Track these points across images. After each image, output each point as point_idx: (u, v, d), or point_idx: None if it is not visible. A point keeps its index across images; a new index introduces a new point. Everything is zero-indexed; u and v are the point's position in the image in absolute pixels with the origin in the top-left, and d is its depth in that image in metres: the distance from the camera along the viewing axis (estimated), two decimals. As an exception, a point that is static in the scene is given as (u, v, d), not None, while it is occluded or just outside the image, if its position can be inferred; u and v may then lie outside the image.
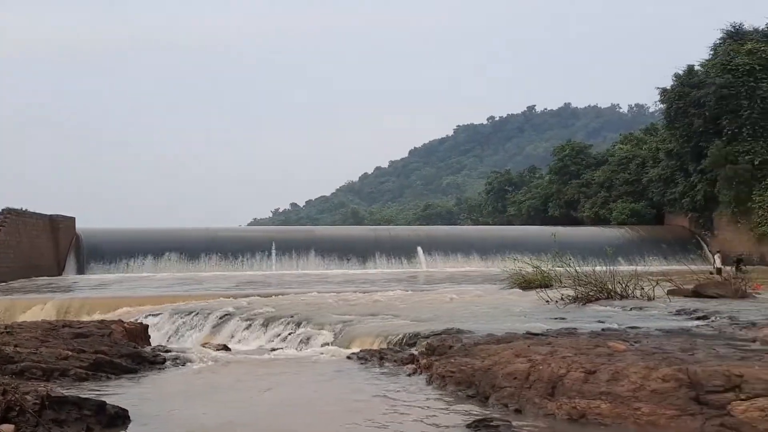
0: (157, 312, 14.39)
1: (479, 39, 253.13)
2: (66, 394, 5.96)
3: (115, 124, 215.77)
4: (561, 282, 16.38)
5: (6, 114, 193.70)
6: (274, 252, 33.25)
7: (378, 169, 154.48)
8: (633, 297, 14.62)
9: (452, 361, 7.85)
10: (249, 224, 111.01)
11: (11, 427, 5.38)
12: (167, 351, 10.06)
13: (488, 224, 60.64)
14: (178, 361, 9.42)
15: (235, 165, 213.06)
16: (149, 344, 10.97)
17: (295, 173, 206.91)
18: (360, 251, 34.34)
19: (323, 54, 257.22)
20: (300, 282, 23.56)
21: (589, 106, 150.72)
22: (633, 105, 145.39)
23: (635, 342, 7.67)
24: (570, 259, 17.12)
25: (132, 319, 12.44)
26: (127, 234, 33.98)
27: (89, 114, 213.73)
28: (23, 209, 25.73)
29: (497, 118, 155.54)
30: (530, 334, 8.70)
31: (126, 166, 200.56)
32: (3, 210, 24.25)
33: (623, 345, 7.32)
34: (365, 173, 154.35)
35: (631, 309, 12.93)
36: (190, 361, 9.50)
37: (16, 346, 8.47)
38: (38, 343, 8.83)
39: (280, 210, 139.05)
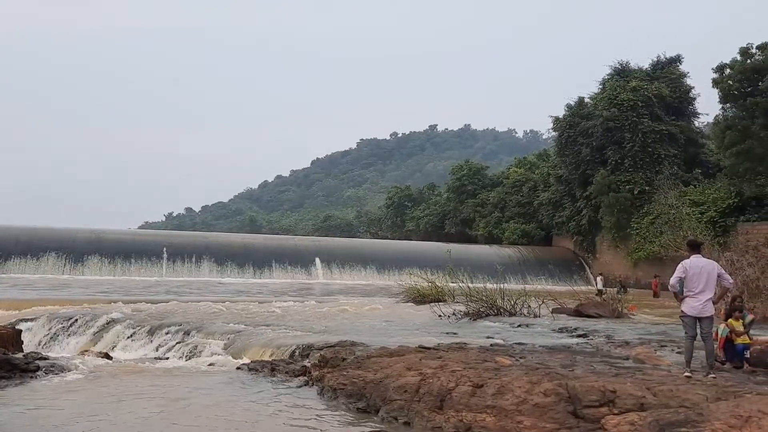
0: (33, 316, 13.41)
1: (387, 55, 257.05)
2: None
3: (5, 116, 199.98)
4: (454, 297, 16.83)
5: None
6: (165, 257, 31.94)
7: (279, 177, 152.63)
8: (521, 314, 15.26)
9: (344, 373, 7.84)
10: (140, 227, 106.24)
11: None
12: (42, 358, 9.39)
13: (387, 238, 61.31)
14: (54, 369, 8.81)
15: (129, 164, 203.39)
16: (22, 350, 10.18)
17: (192, 177, 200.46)
18: (257, 260, 33.68)
19: (237, 53, 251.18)
20: (192, 290, 22.75)
21: (487, 129, 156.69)
22: (528, 131, 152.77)
23: (521, 357, 8.00)
24: (463, 275, 17.61)
25: (3, 324, 11.50)
26: (3, 231, 31.52)
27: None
28: None
29: (400, 135, 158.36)
30: (422, 348, 8.85)
31: (11, 158, 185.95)
32: None
33: (509, 360, 7.61)
34: (265, 181, 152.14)
35: (518, 326, 13.46)
36: (67, 370, 8.92)
37: None
38: None
39: (174, 214, 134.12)
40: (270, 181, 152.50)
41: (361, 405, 7.04)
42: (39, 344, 12.10)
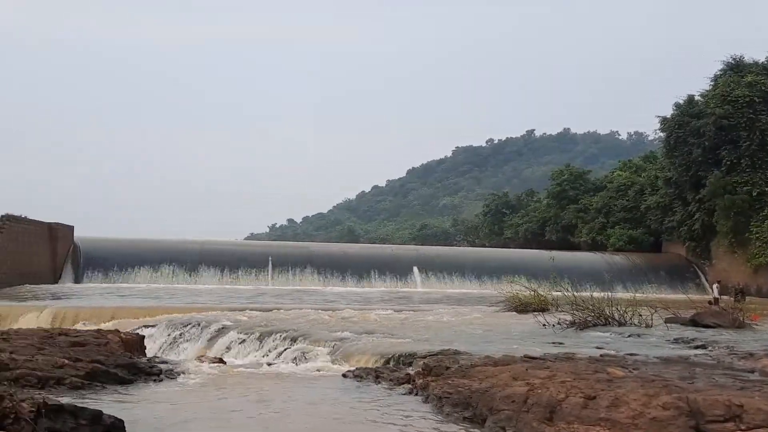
0: (153, 323, 14.32)
1: (481, 61, 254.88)
2: (62, 402, 5.91)
3: (117, 136, 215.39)
4: (558, 306, 16.37)
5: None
6: (270, 267, 33.19)
7: (375, 187, 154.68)
8: (631, 324, 14.62)
9: (449, 382, 7.82)
10: (246, 239, 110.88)
11: (6, 434, 5.33)
12: (163, 362, 10.02)
13: (485, 246, 60.59)
14: (173, 372, 9.37)
15: (234, 180, 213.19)
16: (145, 355, 10.91)
17: (293, 189, 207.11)
18: (356, 269, 34.26)
19: (320, 63, 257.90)
20: (296, 298, 23.47)
21: (588, 132, 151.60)
22: (632, 132, 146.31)
23: (634, 369, 7.66)
24: (567, 283, 17.12)
25: (128, 330, 12.38)
26: (125, 244, 33.91)
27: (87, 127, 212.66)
28: (22, 216, 25.69)
29: (496, 141, 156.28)
30: (528, 358, 8.69)
31: (126, 177, 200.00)
32: (2, 216, 24.17)
33: (622, 371, 7.31)
34: (362, 191, 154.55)
35: (629, 336, 12.92)
36: (186, 374, 9.45)
37: (11, 353, 8.42)
38: (34, 351, 8.78)
39: (277, 225, 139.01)
40: (367, 191, 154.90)
41: (467, 414, 7.00)
42: (159, 349, 12.90)
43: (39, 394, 6.54)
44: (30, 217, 26.65)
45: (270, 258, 33.63)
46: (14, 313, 15.53)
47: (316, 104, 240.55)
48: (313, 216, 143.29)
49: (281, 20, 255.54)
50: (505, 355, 9.05)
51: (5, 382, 7.09)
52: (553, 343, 11.75)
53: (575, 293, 15.70)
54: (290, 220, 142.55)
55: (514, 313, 18.13)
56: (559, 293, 17.07)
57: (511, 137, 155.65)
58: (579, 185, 50.86)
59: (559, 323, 14.29)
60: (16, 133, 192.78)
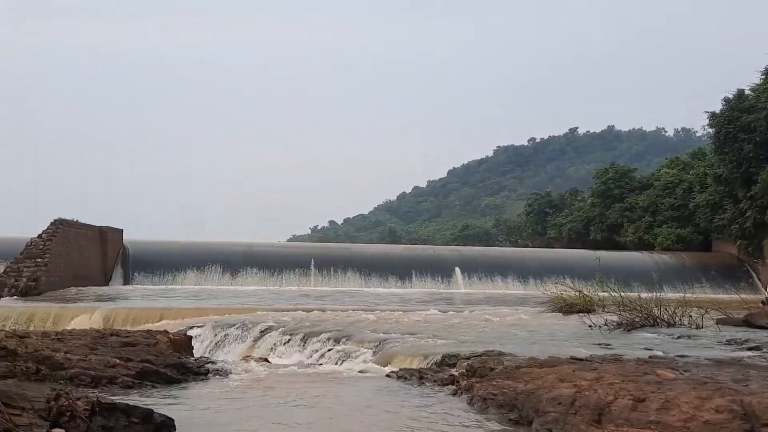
0: (200, 324, 14.60)
1: (522, 59, 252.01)
2: (115, 401, 6.09)
3: (162, 141, 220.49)
4: (604, 307, 16.06)
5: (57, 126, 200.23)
6: (313, 268, 33.49)
7: (416, 188, 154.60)
8: (680, 325, 14.24)
9: (494, 383, 7.76)
10: (288, 240, 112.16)
11: (62, 431, 5.51)
12: (210, 362, 10.22)
13: (527, 246, 59.92)
14: (221, 372, 9.55)
15: (276, 182, 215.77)
16: (192, 355, 11.14)
17: (333, 191, 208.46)
18: (398, 270, 34.27)
19: (360, 65, 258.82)
20: (338, 299, 23.63)
21: (633, 129, 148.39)
22: (679, 129, 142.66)
23: (685, 371, 7.48)
24: (614, 284, 16.77)
25: (176, 330, 12.67)
26: (171, 247, 34.67)
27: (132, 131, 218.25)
28: (74, 220, 26.53)
29: (538, 140, 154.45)
30: (574, 359, 8.56)
31: (171, 180, 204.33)
32: (55, 221, 25.02)
33: (672, 373, 7.14)
34: (403, 192, 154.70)
35: (678, 337, 12.59)
36: (233, 373, 9.62)
37: (66, 352, 8.71)
38: (87, 351, 9.07)
39: (319, 227, 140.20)
40: (408, 192, 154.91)
41: (512, 416, 6.94)
42: (206, 349, 13.14)
43: (93, 392, 6.74)
44: (81, 221, 27.49)
45: (312, 259, 33.93)
46: (68, 314, 16.04)
47: (356, 105, 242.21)
48: (354, 217, 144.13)
49: (331, 23, 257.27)
50: (551, 356, 8.93)
51: (61, 381, 7.33)
52: (600, 344, 11.54)
53: (622, 293, 15.38)
54: (331, 222, 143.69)
55: (559, 314, 17.86)
56: (605, 294, 16.74)
57: (554, 136, 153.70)
58: (624, 183, 49.86)
59: (605, 324, 14.02)
60: (66, 139, 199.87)
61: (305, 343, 12.62)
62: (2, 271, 23.00)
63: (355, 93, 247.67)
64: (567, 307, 17.95)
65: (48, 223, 24.95)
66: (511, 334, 13.37)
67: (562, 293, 18.40)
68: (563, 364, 7.94)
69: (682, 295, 16.48)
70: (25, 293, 21.47)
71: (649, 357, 9.15)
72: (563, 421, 6.33)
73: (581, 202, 57.44)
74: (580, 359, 8.52)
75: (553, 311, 18.36)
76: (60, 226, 25.01)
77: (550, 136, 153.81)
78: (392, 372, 9.69)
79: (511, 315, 17.81)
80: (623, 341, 12.14)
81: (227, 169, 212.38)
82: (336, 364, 11.16)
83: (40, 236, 24.33)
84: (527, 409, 6.82)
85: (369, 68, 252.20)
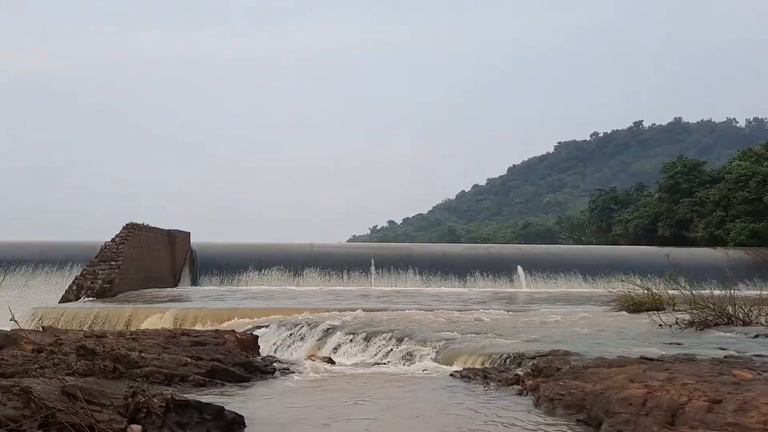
0: (266, 323, 14.93)
1: (583, 52, 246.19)
2: (188, 398, 6.30)
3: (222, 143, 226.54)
4: (674, 305, 15.52)
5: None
6: (373, 268, 33.70)
7: (475, 186, 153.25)
8: (757, 323, 13.62)
9: (561, 383, 7.63)
10: (348, 240, 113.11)
11: (139, 427, 5.73)
12: (276, 361, 10.43)
13: (592, 244, 58.48)
14: (287, 371, 9.74)
15: (334, 183, 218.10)
16: (259, 354, 11.40)
17: (392, 191, 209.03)
18: (458, 269, 34.08)
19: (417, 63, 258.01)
20: (399, 298, 23.70)
21: (702, 120, 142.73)
22: (751, 119, 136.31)
23: (763, 371, 7.17)
24: (684, 281, 16.19)
25: (242, 330, 12.99)
26: (236, 248, 35.58)
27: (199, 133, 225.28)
28: (144, 224, 27.61)
29: (601, 134, 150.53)
30: (645, 359, 8.32)
31: (232, 182, 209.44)
32: (126, 225, 26.13)
33: (750, 373, 6.85)
34: (462, 191, 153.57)
35: (755, 336, 12.04)
36: (298, 372, 9.80)
37: (141, 351, 9.07)
38: (160, 350, 9.42)
39: (378, 227, 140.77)
40: (467, 190, 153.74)
41: (581, 417, 6.80)
42: (272, 348, 13.43)
43: (166, 390, 6.99)
44: (151, 225, 28.56)
45: (372, 259, 34.13)
46: (140, 314, 16.70)
47: (416, 105, 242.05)
48: (413, 217, 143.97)
49: (396, 26, 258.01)
50: (620, 356, 8.71)
51: (137, 379, 7.64)
52: (671, 343, 11.16)
53: (693, 291, 14.83)
54: (391, 222, 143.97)
55: (625, 312, 17.38)
56: (675, 291, 16.17)
57: (617, 129, 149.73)
58: (693, 177, 48.03)
59: (676, 323, 13.55)
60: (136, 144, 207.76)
61: (368, 342, 12.72)
62: (79, 273, 24.13)
63: (418, 92, 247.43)
64: (634, 306, 17.46)
65: (120, 228, 26.09)
66: (576, 334, 13.10)
67: (629, 291, 17.89)
68: (633, 364, 7.73)
69: (758, 292, 15.76)
70: (100, 295, 22.48)
71: (725, 357, 8.79)
72: (634, 422, 6.16)
73: (647, 198, 55.70)
74: (651, 359, 8.27)
75: (619, 310, 17.90)
76: (131, 230, 26.07)
77: (613, 131, 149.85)
78: (456, 371, 9.66)
79: (576, 314, 17.44)
80: (695, 340, 11.71)
81: (288, 169, 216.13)
82: (399, 363, 11.21)
83: (113, 240, 25.45)
84: (596, 410, 6.67)
85: (429, 66, 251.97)
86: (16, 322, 9.04)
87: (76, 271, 25.47)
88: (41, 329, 10.54)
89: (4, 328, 9.25)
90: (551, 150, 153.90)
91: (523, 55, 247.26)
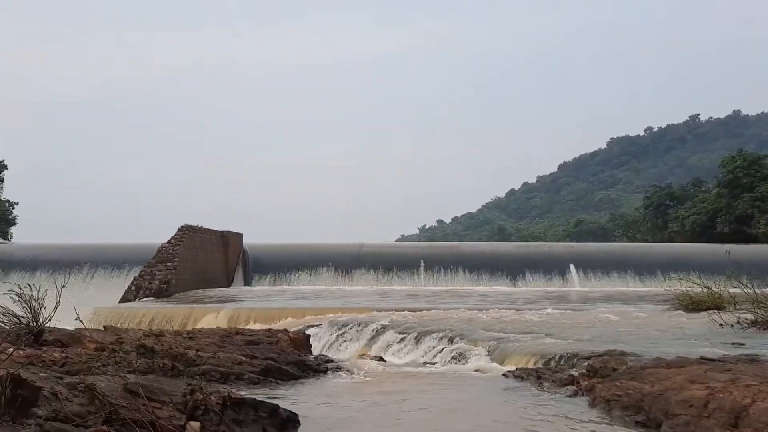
0: (317, 323, 15.10)
1: (634, 43, 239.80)
2: (244, 396, 6.43)
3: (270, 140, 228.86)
4: (735, 304, 14.97)
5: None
6: (422, 268, 33.63)
7: (525, 184, 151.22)
8: (825, 323, 13.02)
9: (617, 384, 7.47)
10: (396, 240, 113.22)
11: (197, 424, 5.88)
12: (329, 360, 10.55)
13: (647, 241, 56.97)
14: (339, 370, 9.83)
15: (383, 182, 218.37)
16: (311, 353, 11.55)
17: (441, 189, 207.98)
18: (508, 268, 33.68)
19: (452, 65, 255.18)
20: (449, 298, 23.60)
21: (763, 112, 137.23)
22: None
23: (833, 373, 6.85)
24: (747, 279, 15.60)
25: (295, 329, 13.17)
26: (287, 249, 36.09)
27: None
28: (199, 226, 28.32)
29: (655, 129, 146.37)
30: (705, 359, 8.07)
31: (281, 182, 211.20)
32: (182, 227, 26.85)
33: (819, 376, 6.56)
34: (512, 189, 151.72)
35: (823, 336, 11.52)
36: (350, 371, 9.87)
37: (197, 350, 9.31)
38: (216, 348, 9.64)
39: (427, 227, 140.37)
40: (516, 188, 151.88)
41: (639, 418, 6.64)
42: (323, 348, 13.57)
43: (223, 388, 7.15)
44: (205, 227, 29.25)
45: (422, 259, 34.08)
46: (196, 314, 17.10)
47: (463, 99, 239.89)
48: (461, 216, 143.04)
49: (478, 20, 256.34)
50: (679, 356, 8.47)
51: (195, 377, 7.84)
52: (732, 343, 10.79)
53: (756, 290, 14.27)
54: (439, 221, 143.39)
55: (683, 312, 16.87)
56: (736, 290, 15.60)
57: (673, 124, 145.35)
58: (754, 172, 46.27)
59: (738, 322, 13.08)
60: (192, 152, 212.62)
61: (419, 342, 12.71)
62: (138, 274, 24.92)
63: (460, 86, 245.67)
64: (693, 305, 16.92)
65: (176, 230, 26.82)
66: (632, 333, 12.80)
67: (687, 290, 17.35)
68: (693, 365, 7.51)
69: (827, 290, 15.03)
70: (157, 295, 23.16)
71: (791, 358, 8.45)
72: (695, 424, 5.99)
73: (705, 193, 53.95)
74: (712, 359, 8.02)
75: (676, 309, 17.38)
76: (186, 231, 26.76)
77: (668, 125, 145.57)
78: (509, 371, 9.56)
79: (631, 313, 17.04)
80: (759, 341, 11.28)
81: (336, 170, 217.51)
82: (450, 363, 11.16)
83: (169, 242, 26.19)
84: (655, 412, 6.51)
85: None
86: (81, 321, 9.39)
87: (134, 273, 26.27)
88: (103, 328, 10.93)
89: (68, 328, 9.62)
90: (603, 146, 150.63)
91: (574, 49, 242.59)
